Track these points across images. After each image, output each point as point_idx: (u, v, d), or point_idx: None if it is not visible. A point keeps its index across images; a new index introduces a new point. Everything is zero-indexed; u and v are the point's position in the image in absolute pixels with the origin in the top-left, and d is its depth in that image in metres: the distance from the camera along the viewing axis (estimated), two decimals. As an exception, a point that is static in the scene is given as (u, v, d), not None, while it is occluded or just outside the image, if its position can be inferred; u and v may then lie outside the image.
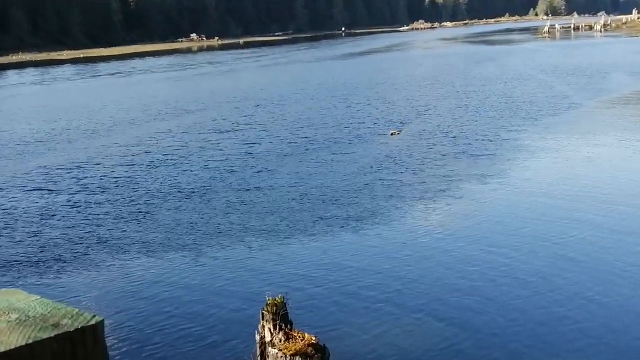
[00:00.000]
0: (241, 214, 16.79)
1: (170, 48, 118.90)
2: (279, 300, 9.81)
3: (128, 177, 21.39)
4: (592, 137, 24.66)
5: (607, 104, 32.33)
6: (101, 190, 19.84)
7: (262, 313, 9.73)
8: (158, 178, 20.99)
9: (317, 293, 11.88)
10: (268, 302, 9.79)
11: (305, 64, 69.74)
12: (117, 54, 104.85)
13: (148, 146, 26.57)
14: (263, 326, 9.64)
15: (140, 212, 17.36)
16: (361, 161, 22.03)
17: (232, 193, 18.82)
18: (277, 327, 9.49)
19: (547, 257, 13.14)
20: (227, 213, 16.89)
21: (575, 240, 13.99)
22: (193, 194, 18.86)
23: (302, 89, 44.19)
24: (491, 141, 24.31)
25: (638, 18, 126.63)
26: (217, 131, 29.38)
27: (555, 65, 52.17)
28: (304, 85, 47.01)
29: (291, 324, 9.72)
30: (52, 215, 17.32)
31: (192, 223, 16.18)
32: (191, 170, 21.86)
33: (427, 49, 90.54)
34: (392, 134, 26.28)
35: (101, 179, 21.27)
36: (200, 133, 29.13)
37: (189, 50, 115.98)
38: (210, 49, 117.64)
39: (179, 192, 19.21)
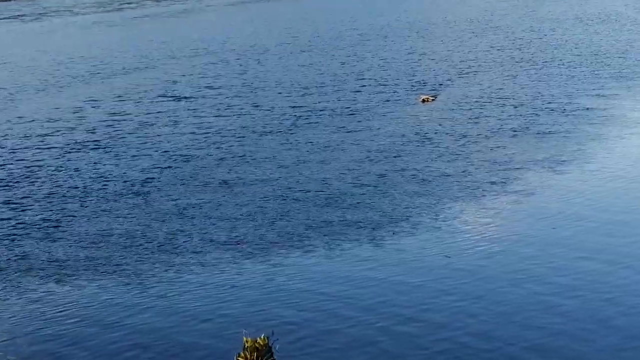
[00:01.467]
0: (199, 220, 16.59)
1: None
2: (261, 342, 9.67)
3: (33, 167, 21.15)
4: None
5: None
6: (-4, 186, 19.64)
7: (238, 361, 9.63)
8: (77, 169, 20.78)
9: (315, 331, 11.72)
10: (246, 345, 9.68)
11: (295, 1, 69.48)
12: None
13: (64, 121, 26.32)
14: (239, 380, 9.52)
15: (50, 218, 17.12)
16: (377, 142, 21.86)
17: (185, 190, 18.61)
18: (259, 381, 9.37)
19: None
20: (180, 219, 16.69)
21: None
22: (128, 192, 18.66)
23: (291, 37, 43.95)
24: (565, 111, 24.20)
25: None
26: (165, 98, 29.15)
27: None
28: (292, 32, 46.76)
29: (279, 377, 9.59)
30: None
31: (125, 234, 15.99)
32: (126, 157, 21.67)
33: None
34: (423, 100, 26.30)
35: (-4, 169, 21.08)
36: (140, 101, 28.90)
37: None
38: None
39: (106, 189, 19.01)
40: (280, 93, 29.19)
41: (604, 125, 22.64)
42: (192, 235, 15.80)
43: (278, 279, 13.67)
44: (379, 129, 23.39)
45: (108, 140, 23.60)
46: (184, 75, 33.97)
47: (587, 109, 24.49)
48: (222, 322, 12.18)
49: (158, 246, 15.36)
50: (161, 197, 18.23)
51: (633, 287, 12.87)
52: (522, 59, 33.65)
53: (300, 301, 12.78)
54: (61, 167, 21.05)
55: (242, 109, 26.92)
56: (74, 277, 14.17)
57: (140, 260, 14.73)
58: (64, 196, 18.58)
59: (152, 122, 25.75)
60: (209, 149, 22.15)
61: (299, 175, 19.28)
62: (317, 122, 24.56)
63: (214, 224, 16.33)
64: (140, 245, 15.46)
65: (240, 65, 35.92)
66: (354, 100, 27.27)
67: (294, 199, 17.63)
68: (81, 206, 17.84)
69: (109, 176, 20.00)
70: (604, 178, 18.34)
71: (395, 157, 20.43)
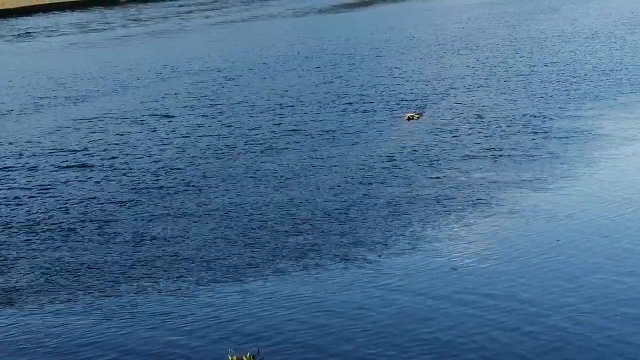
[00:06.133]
0: (169, 245, 16.48)
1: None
2: (247, 360, 9.74)
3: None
4: None
5: None
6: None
7: (222, 380, 9.58)
8: (38, 194, 20.48)
9: (301, 351, 11.98)
10: (232, 362, 9.84)
11: (280, 21, 69.68)
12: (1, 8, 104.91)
13: (25, 145, 26.09)
14: (225, 401, 9.37)
15: (6, 243, 17.01)
16: (360, 161, 21.80)
17: (153, 215, 18.46)
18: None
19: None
20: (149, 245, 16.55)
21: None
22: (93, 217, 18.46)
23: (273, 57, 43.94)
24: (553, 132, 24.20)
25: None
26: (137, 121, 28.92)
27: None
28: (276, 51, 46.80)
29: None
30: None
31: (91, 260, 15.88)
32: (91, 181, 21.47)
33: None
34: (408, 118, 26.49)
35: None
36: (109, 125, 28.61)
37: (113, 2, 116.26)
38: (141, 0, 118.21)
39: (68, 213, 18.83)
40: (257, 114, 29.03)
41: (594, 147, 22.73)
42: (164, 260, 15.73)
43: (261, 301, 13.81)
44: (362, 147, 23.34)
45: (73, 165, 23.27)
46: (158, 98, 33.84)
47: (573, 129, 24.59)
48: (205, 341, 12.37)
49: (129, 271, 15.28)
50: (129, 222, 18.07)
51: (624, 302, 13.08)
52: (508, 77, 33.75)
53: (286, 321, 12.97)
54: (20, 192, 20.74)
55: (215, 131, 26.76)
56: (30, 304, 14.10)
57: (118, 285, 14.65)
58: (19, 222, 18.39)
59: (120, 146, 25.47)
60: (180, 172, 21.92)
61: (273, 200, 19.10)
62: (296, 143, 24.43)
63: (188, 249, 16.25)
64: (113, 270, 15.33)
65: (217, 86, 35.84)
66: (337, 119, 27.29)
67: (269, 224, 17.48)
68: (38, 232, 17.67)
69: (71, 201, 19.77)
70: (588, 198, 18.43)
71: (380, 177, 20.35)
